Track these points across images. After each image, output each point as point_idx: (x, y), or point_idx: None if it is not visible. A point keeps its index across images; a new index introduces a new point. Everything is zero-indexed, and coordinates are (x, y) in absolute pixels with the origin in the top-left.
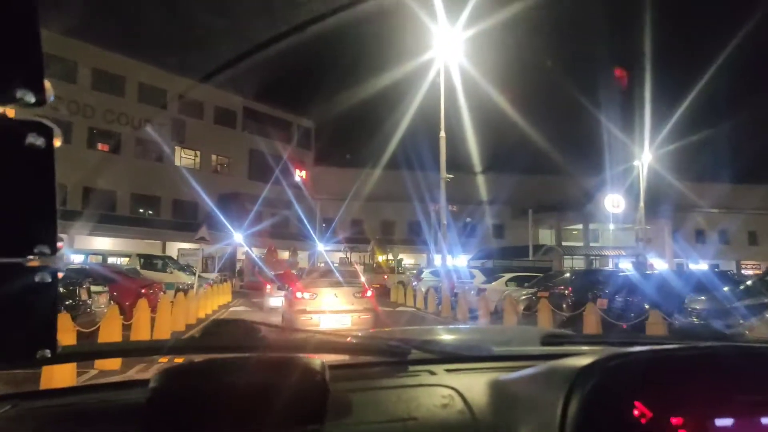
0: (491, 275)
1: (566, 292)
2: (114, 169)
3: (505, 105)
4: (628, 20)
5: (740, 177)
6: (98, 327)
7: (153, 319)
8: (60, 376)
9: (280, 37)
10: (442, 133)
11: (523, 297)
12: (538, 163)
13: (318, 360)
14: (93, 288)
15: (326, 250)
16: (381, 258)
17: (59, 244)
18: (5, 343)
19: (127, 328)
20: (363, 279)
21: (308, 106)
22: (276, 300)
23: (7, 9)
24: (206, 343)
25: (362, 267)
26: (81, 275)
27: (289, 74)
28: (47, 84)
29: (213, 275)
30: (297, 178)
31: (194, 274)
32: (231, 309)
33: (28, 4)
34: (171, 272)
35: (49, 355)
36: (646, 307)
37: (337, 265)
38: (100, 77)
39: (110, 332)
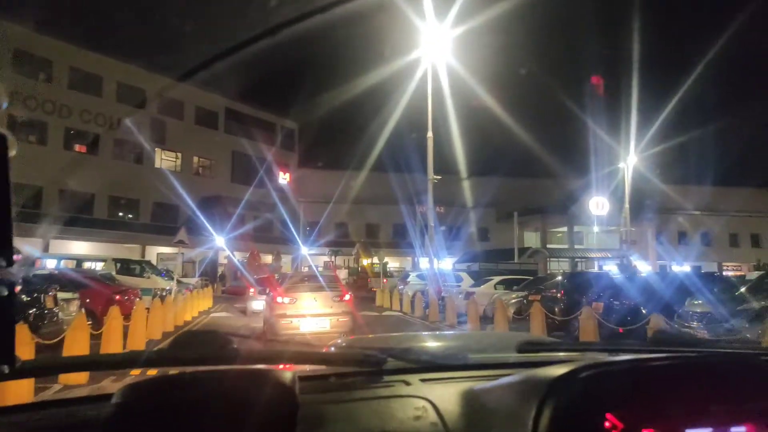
0: (478, 278)
1: (558, 295)
2: (91, 170)
3: (491, 107)
4: (614, 23)
5: (722, 179)
6: (63, 338)
7: (127, 328)
8: (15, 391)
9: (262, 36)
10: (430, 134)
11: (513, 300)
12: (523, 165)
13: (288, 372)
14: (61, 295)
15: (310, 254)
16: (366, 261)
17: (16, 256)
18: None
19: (98, 337)
20: (343, 283)
21: (292, 107)
22: (258, 304)
23: None
24: (177, 356)
25: (347, 270)
26: (47, 282)
27: (272, 74)
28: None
29: (194, 280)
30: (281, 181)
31: (173, 278)
32: (212, 315)
33: None
34: (148, 277)
35: (7, 371)
36: (643, 310)
37: (321, 269)
38: (76, 76)
39: (77, 343)
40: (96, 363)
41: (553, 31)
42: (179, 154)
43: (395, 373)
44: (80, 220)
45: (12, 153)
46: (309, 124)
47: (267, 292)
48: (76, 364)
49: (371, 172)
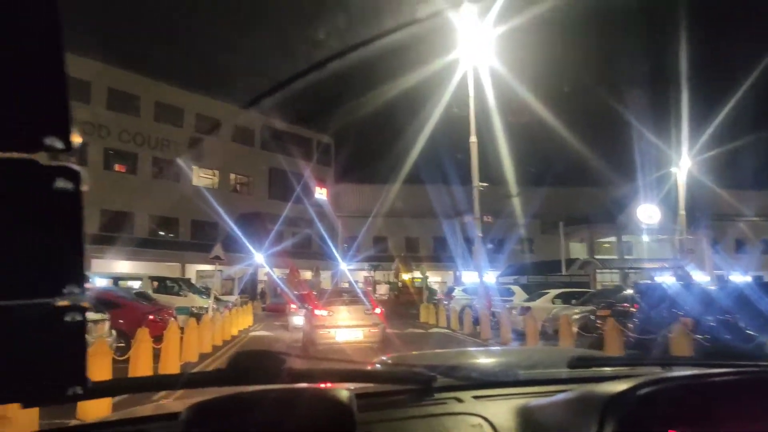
0: (531, 292)
1: (632, 309)
2: (131, 190)
3: (534, 113)
4: (665, 20)
5: None
6: None
7: (160, 349)
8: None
9: (298, 57)
10: (473, 138)
11: (578, 316)
12: (567, 173)
13: (346, 391)
14: (88, 316)
15: (350, 269)
16: (406, 276)
17: (88, 283)
18: (37, 381)
19: (125, 361)
20: (375, 298)
21: (327, 121)
22: (299, 320)
23: (37, 61)
24: (233, 375)
25: (388, 286)
26: None
27: (307, 90)
28: (74, 130)
29: (233, 298)
30: (318, 196)
31: (210, 296)
32: (252, 333)
33: (57, 57)
34: (185, 295)
35: (81, 392)
36: (746, 329)
37: (361, 284)
38: (114, 97)
39: (96, 371)
40: (159, 383)
41: (600, 31)
42: (217, 172)
43: (446, 390)
44: (121, 239)
45: (85, 188)
46: (345, 138)
47: (307, 307)
48: (141, 385)
49: (410, 184)
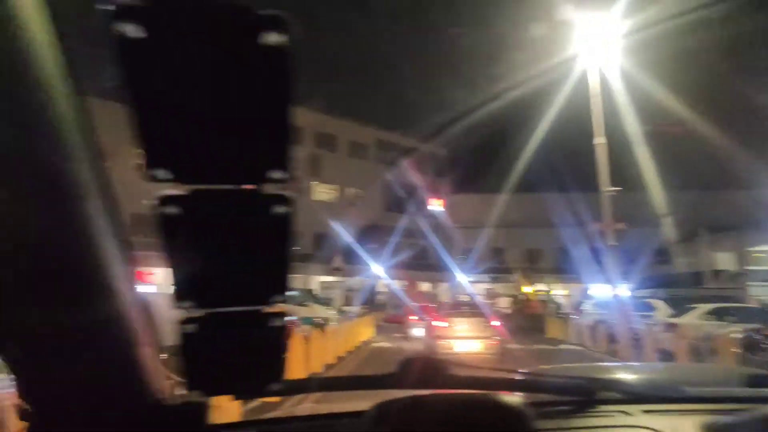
0: (675, 306)
1: None
2: None
3: (669, 109)
4: None
5: None
6: None
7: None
8: None
9: (411, 67)
10: (601, 139)
11: (740, 335)
12: (711, 176)
13: (520, 399)
14: None
15: (470, 282)
16: (528, 289)
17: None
18: (247, 377)
19: None
20: (496, 311)
21: (441, 132)
22: (420, 330)
23: (270, 104)
24: (403, 379)
25: (511, 299)
26: None
27: (419, 101)
28: (293, 164)
29: (355, 308)
30: (434, 207)
31: (333, 307)
32: (373, 344)
33: (288, 109)
34: (308, 305)
35: (280, 388)
36: None
37: (482, 297)
38: None
39: None
40: (343, 383)
41: (749, 18)
42: (335, 186)
43: (611, 403)
44: None
45: (296, 212)
46: (459, 148)
47: (426, 318)
48: (333, 384)
49: (529, 193)
